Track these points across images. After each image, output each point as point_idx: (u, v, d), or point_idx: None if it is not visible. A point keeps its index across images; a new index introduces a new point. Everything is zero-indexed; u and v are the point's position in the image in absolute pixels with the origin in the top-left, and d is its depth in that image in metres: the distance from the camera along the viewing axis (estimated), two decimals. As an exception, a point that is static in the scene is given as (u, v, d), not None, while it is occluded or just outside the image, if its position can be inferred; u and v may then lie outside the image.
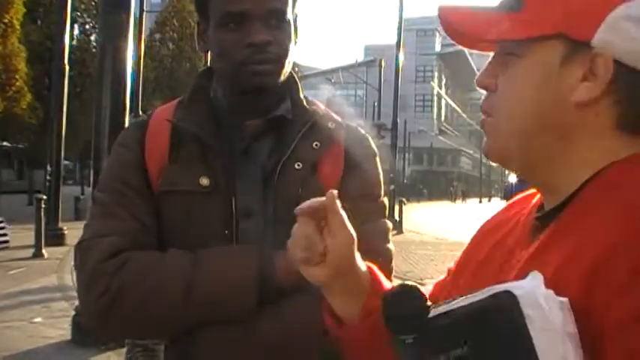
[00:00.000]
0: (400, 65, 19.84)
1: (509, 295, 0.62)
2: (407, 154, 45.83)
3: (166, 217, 1.23)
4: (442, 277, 1.03)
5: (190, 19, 30.96)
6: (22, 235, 11.41)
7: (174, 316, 1.16)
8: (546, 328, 0.60)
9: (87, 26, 29.31)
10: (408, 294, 0.73)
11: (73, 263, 1.23)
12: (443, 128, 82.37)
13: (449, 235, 17.34)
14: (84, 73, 24.56)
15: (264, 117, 1.28)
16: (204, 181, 1.22)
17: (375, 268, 0.91)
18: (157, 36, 35.14)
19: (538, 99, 0.74)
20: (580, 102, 0.72)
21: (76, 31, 27.60)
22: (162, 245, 1.22)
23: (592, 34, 0.70)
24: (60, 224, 11.73)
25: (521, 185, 1.11)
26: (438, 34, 76.57)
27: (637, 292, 0.59)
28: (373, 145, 1.36)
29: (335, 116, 1.34)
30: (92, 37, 28.34)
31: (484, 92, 0.81)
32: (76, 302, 4.73)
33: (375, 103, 29.75)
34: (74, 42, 24.72)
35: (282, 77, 1.27)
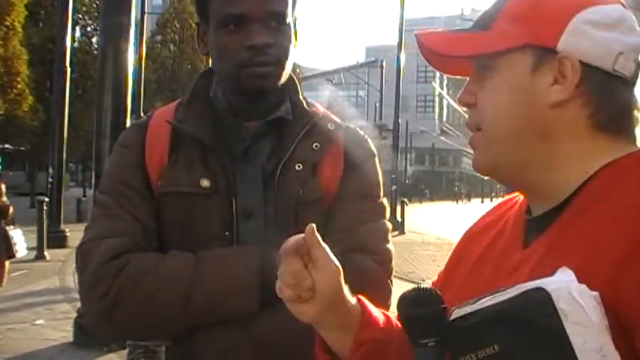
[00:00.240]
0: (401, 66, 19.81)
1: (541, 292, 0.63)
2: (409, 155, 45.81)
3: (167, 218, 1.24)
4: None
5: (191, 21, 30.93)
6: (25, 237, 11.41)
7: (175, 318, 1.16)
8: (582, 323, 0.61)
9: (88, 28, 29.29)
10: (427, 296, 0.74)
11: (74, 265, 1.23)
12: (444, 128, 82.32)
13: (451, 235, 17.32)
14: (85, 75, 24.56)
15: (263, 118, 1.28)
16: (205, 182, 1.22)
17: (364, 299, 0.92)
18: (158, 38, 35.16)
19: (515, 106, 0.79)
20: (554, 104, 0.77)
21: (77, 34, 27.58)
22: (162, 247, 1.22)
23: (557, 40, 0.77)
24: (62, 226, 11.75)
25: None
26: (439, 34, 76.22)
27: None
28: (372, 146, 1.37)
29: (334, 117, 1.34)
30: (93, 40, 28.32)
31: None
32: (79, 304, 4.73)
33: (377, 104, 29.78)
34: (75, 44, 24.67)
35: (282, 79, 1.27)
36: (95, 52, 23.69)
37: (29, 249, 10.27)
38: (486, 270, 0.85)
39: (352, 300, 0.89)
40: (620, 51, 0.77)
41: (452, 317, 0.70)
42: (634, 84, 0.80)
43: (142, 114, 12.60)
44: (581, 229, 0.73)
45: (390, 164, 18.21)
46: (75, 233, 10.23)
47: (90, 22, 29.14)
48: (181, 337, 1.20)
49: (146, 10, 18.12)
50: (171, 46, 34.80)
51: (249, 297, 1.15)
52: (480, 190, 70.66)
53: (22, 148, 26.28)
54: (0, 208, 5.67)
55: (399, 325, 0.97)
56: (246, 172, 1.26)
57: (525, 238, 0.82)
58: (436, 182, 74.86)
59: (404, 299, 0.75)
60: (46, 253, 10.15)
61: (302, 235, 0.83)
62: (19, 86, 21.10)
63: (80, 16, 27.98)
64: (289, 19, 1.25)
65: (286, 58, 1.25)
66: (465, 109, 0.87)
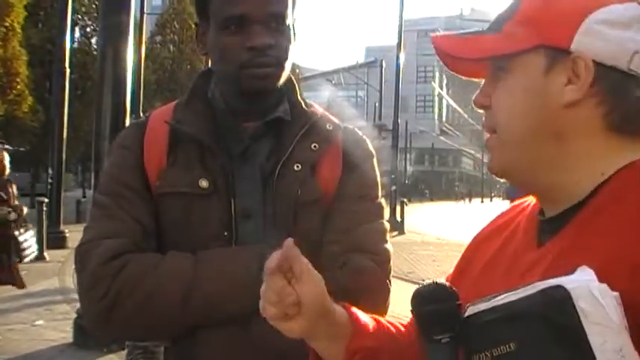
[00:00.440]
0: (401, 66, 19.84)
1: (560, 289, 0.62)
2: (408, 155, 45.83)
3: (165, 218, 1.24)
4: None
5: (191, 21, 30.94)
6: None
7: (174, 318, 1.16)
8: (602, 323, 0.61)
9: (88, 29, 29.33)
10: (442, 292, 0.73)
11: (74, 266, 1.23)
12: (444, 128, 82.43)
13: (450, 235, 17.33)
14: (85, 75, 24.58)
15: (262, 119, 1.28)
16: (204, 183, 1.22)
17: (352, 307, 0.92)
18: (158, 38, 35.21)
19: (529, 108, 0.79)
20: (568, 104, 0.77)
21: (76, 34, 27.62)
22: (161, 247, 1.22)
23: (570, 40, 0.77)
24: (62, 227, 11.74)
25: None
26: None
27: None
28: (371, 147, 1.37)
29: (332, 118, 1.34)
30: (93, 40, 28.36)
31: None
32: (78, 305, 4.72)
33: (376, 104, 29.77)
34: (75, 45, 24.73)
35: (282, 80, 1.27)
36: (95, 52, 23.70)
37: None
38: (497, 272, 0.85)
39: (338, 308, 0.89)
40: (636, 50, 0.76)
41: (466, 314, 0.69)
42: None
43: (141, 115, 12.59)
44: (599, 230, 0.73)
45: (389, 164, 18.21)
46: (74, 234, 10.22)
47: (89, 22, 29.18)
48: (180, 338, 1.20)
49: (145, 11, 18.09)
50: (171, 47, 34.84)
51: (249, 297, 1.15)
52: (480, 190, 70.71)
53: (21, 149, 26.28)
54: (14, 210, 5.66)
55: (391, 326, 0.97)
56: (245, 172, 1.26)
57: (539, 240, 0.82)
58: (436, 182, 74.94)
59: (418, 295, 0.74)
60: (45, 253, 10.14)
61: (283, 251, 0.83)
62: (18, 87, 21.13)
63: (79, 16, 28.02)
64: (289, 20, 1.25)
65: (286, 59, 1.26)
66: (482, 110, 0.87)
